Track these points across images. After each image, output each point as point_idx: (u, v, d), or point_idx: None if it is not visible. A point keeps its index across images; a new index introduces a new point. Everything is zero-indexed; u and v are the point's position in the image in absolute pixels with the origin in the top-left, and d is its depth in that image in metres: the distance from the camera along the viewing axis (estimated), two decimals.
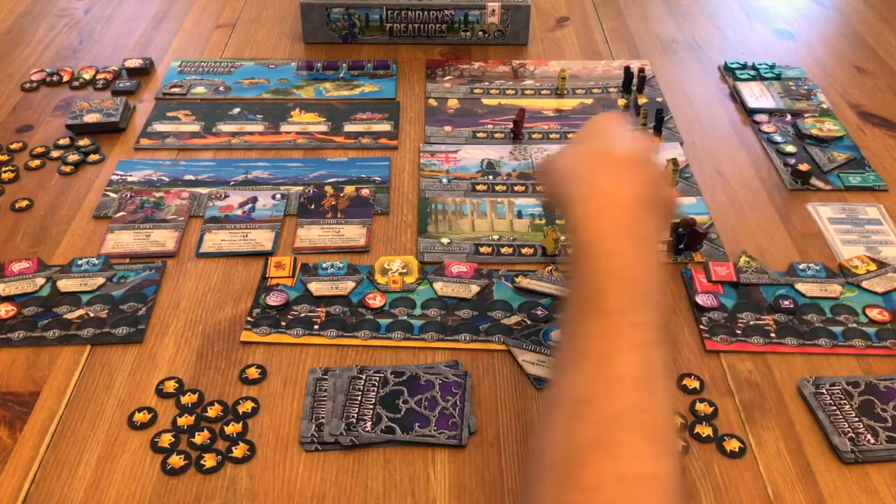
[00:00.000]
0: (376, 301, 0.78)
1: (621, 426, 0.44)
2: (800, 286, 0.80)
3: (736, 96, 1.12)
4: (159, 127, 1.04)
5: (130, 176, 0.95)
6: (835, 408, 0.68)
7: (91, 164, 0.98)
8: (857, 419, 0.67)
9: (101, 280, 0.80)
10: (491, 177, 0.96)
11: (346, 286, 0.80)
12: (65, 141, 1.01)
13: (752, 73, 1.16)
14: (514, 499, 0.62)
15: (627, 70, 1.12)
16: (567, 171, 0.60)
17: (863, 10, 1.37)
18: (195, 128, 1.04)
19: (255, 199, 0.91)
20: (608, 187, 0.54)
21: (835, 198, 0.93)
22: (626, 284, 0.49)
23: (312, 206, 0.90)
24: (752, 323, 0.76)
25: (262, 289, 0.80)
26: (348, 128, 1.04)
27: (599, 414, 0.45)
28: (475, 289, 0.80)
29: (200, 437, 0.65)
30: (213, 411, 0.68)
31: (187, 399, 0.69)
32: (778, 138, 1.02)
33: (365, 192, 0.93)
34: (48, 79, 1.14)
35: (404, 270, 0.82)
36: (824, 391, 0.69)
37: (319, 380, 0.70)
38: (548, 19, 1.32)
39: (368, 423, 0.66)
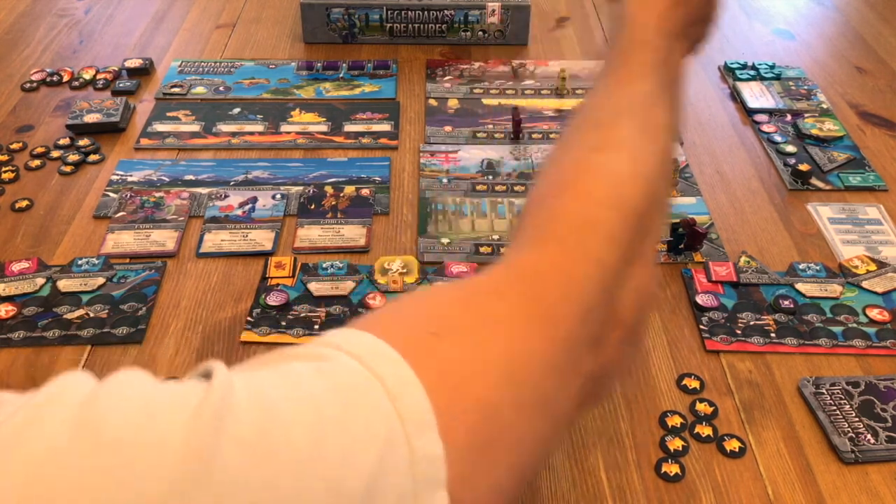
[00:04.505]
0: (376, 301, 0.78)
1: (620, 121, 0.53)
2: (800, 286, 0.80)
3: (736, 96, 1.12)
4: (159, 127, 1.04)
5: (130, 176, 0.95)
6: (835, 408, 0.68)
7: (91, 164, 0.98)
8: (857, 419, 0.67)
9: (101, 280, 0.80)
10: (491, 177, 0.96)
11: (346, 286, 0.80)
12: (65, 141, 1.01)
13: (752, 73, 1.16)
14: None
15: None
16: None
17: (863, 10, 1.37)
18: (195, 128, 1.04)
19: (255, 199, 0.91)
20: (656, 7, 0.58)
21: (835, 198, 0.93)
22: (652, 55, 0.56)
23: (312, 206, 0.90)
24: (752, 323, 0.76)
25: (262, 289, 0.80)
26: (348, 128, 1.04)
27: (604, 124, 0.52)
28: None
29: None
30: None
31: None
32: (778, 138, 1.02)
33: (365, 192, 0.93)
34: (48, 79, 1.14)
35: (404, 270, 0.82)
36: (824, 391, 0.69)
37: None
38: (548, 19, 1.32)
39: None
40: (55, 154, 0.99)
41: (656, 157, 0.52)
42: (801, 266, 0.83)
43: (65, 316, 0.76)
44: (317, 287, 0.80)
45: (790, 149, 1.00)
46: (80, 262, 0.82)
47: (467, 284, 0.45)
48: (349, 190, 0.93)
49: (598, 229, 0.47)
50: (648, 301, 0.52)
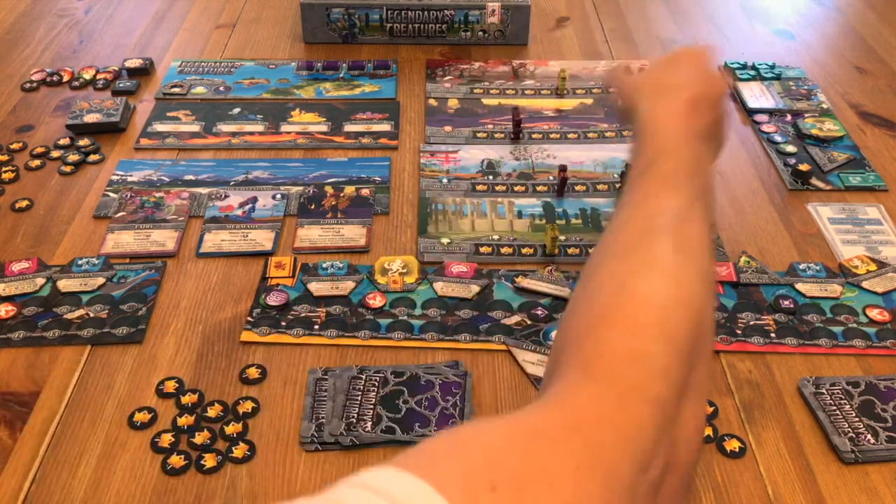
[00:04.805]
0: (376, 301, 0.78)
1: (655, 237, 0.51)
2: (800, 286, 0.80)
3: (736, 96, 1.12)
4: (159, 127, 1.04)
5: (130, 176, 0.95)
6: (835, 408, 0.68)
7: (91, 164, 0.98)
8: (857, 419, 0.67)
9: (101, 280, 0.80)
10: (491, 177, 0.96)
11: (346, 286, 0.80)
12: (65, 141, 1.01)
13: (752, 73, 1.16)
14: None
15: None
16: (649, 83, 0.64)
17: (863, 10, 1.37)
18: (195, 128, 1.04)
19: (255, 199, 0.91)
20: (683, 105, 0.59)
21: (835, 198, 0.93)
22: (681, 163, 0.55)
23: (312, 206, 0.90)
24: (752, 323, 0.76)
25: (262, 289, 0.80)
26: (348, 128, 1.04)
27: (634, 248, 0.51)
28: (475, 289, 0.80)
29: (200, 437, 0.65)
30: (213, 411, 0.68)
31: (187, 399, 0.69)
32: (778, 138, 1.02)
33: (365, 192, 0.93)
34: (48, 79, 1.14)
35: (404, 270, 0.82)
36: (824, 391, 0.69)
37: (319, 380, 0.70)
38: (548, 19, 1.32)
39: (368, 423, 0.66)
40: (55, 154, 0.99)
41: (698, 278, 0.50)
42: (801, 266, 0.83)
43: (65, 316, 0.76)
44: (317, 287, 0.80)
45: (790, 149, 1.00)
46: (80, 262, 0.82)
47: (519, 426, 0.41)
48: (349, 190, 0.93)
49: (649, 364, 0.44)
50: (702, 438, 0.49)
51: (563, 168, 0.93)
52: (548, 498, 0.37)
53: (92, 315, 0.77)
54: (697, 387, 0.47)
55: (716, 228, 0.52)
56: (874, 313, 0.77)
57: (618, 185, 0.93)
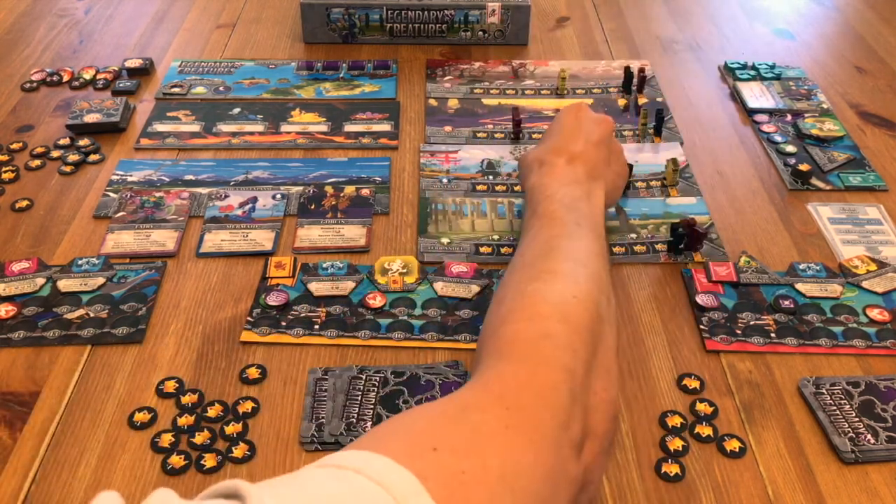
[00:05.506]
0: (376, 301, 0.78)
1: (553, 260, 0.62)
2: (800, 286, 0.80)
3: (736, 96, 1.12)
4: (159, 127, 1.04)
5: (130, 176, 0.95)
6: (835, 408, 0.68)
7: (91, 164, 0.98)
8: (857, 419, 0.67)
9: (101, 280, 0.80)
10: (491, 177, 0.96)
11: (347, 286, 0.80)
12: (65, 141, 1.01)
13: (752, 73, 1.16)
14: None
15: (627, 70, 1.12)
16: (530, 160, 0.79)
17: (863, 10, 1.37)
18: (195, 128, 1.04)
19: (255, 199, 0.91)
20: (559, 165, 0.75)
21: (835, 198, 0.93)
22: (561, 204, 0.69)
23: (312, 206, 0.90)
24: (752, 323, 0.76)
25: (262, 289, 0.80)
26: (348, 128, 1.04)
27: (538, 261, 0.62)
28: (475, 289, 0.80)
29: (200, 437, 0.65)
30: (213, 411, 0.68)
31: (187, 399, 0.69)
32: (778, 138, 1.02)
33: (365, 192, 0.93)
34: (48, 79, 1.14)
35: (404, 270, 0.82)
36: (824, 391, 0.69)
37: (319, 380, 0.70)
38: (548, 19, 1.32)
39: (369, 423, 0.66)
40: (55, 154, 0.99)
41: (590, 278, 0.60)
42: (801, 266, 0.83)
43: (65, 316, 0.76)
44: (317, 287, 0.80)
45: (790, 149, 1.00)
46: (80, 262, 0.82)
47: (450, 402, 0.49)
48: (349, 190, 0.93)
49: (554, 341, 0.53)
50: (616, 412, 0.56)
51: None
52: (481, 452, 0.43)
53: (92, 315, 0.77)
54: (605, 366, 0.55)
55: (608, 245, 0.71)
56: (874, 313, 0.77)
57: None
